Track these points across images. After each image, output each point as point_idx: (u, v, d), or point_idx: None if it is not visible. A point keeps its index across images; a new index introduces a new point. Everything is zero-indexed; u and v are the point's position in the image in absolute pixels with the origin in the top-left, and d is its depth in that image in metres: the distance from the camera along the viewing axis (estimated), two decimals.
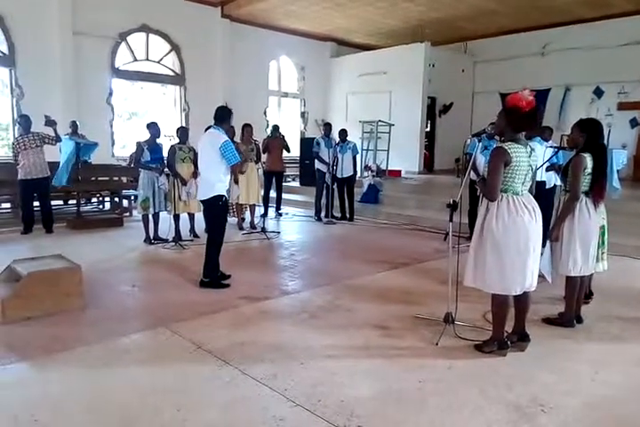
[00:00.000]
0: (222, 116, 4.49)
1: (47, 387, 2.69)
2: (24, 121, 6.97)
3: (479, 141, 4.12)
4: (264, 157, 8.16)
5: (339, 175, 8.28)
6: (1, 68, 9.86)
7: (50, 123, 6.95)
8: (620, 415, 2.48)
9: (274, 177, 8.45)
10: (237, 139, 7.71)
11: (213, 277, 4.54)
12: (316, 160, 8.36)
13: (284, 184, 9.16)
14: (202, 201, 4.60)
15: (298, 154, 11.85)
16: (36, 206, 7.15)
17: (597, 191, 3.50)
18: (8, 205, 8.08)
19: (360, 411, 2.45)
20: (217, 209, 4.52)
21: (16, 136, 7.22)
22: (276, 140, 8.25)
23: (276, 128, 8.45)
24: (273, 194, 8.68)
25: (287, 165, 13.19)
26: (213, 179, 4.43)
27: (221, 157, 4.34)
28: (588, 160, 3.43)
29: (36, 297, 3.66)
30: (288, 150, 8.41)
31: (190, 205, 6.46)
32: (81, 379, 2.79)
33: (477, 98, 14.64)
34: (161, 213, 6.47)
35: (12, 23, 9.64)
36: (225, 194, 4.51)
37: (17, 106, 9.87)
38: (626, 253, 5.74)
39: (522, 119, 2.92)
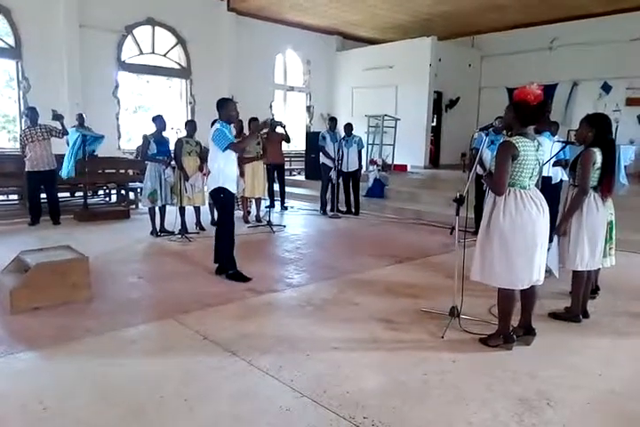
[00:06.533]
0: (218, 108, 4.54)
1: (56, 376, 2.72)
2: (31, 113, 6.99)
3: (486, 136, 4.09)
4: None
5: (344, 169, 8.27)
6: (7, 61, 9.89)
7: (57, 117, 6.95)
8: (627, 410, 2.48)
9: (275, 170, 8.42)
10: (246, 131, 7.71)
11: (232, 269, 4.59)
12: (321, 154, 8.34)
13: (289, 178, 9.13)
14: (209, 192, 4.70)
15: (303, 148, 11.83)
16: (43, 198, 7.19)
17: (606, 186, 3.48)
18: (15, 196, 8.14)
19: (365, 403, 2.46)
20: (219, 201, 4.59)
21: (23, 128, 7.23)
22: (273, 134, 8.25)
23: (273, 121, 8.42)
24: (277, 187, 8.68)
25: (293, 159, 13.27)
26: (215, 171, 4.51)
27: (214, 145, 4.41)
28: (598, 155, 3.42)
29: (43, 288, 3.69)
30: (288, 141, 8.30)
31: (195, 199, 6.50)
32: (89, 368, 2.81)
33: (484, 92, 14.54)
34: (167, 205, 6.51)
35: (19, 16, 9.67)
36: (227, 187, 4.49)
37: (23, 98, 9.92)
38: (632, 248, 5.71)
39: (529, 113, 2.91)
